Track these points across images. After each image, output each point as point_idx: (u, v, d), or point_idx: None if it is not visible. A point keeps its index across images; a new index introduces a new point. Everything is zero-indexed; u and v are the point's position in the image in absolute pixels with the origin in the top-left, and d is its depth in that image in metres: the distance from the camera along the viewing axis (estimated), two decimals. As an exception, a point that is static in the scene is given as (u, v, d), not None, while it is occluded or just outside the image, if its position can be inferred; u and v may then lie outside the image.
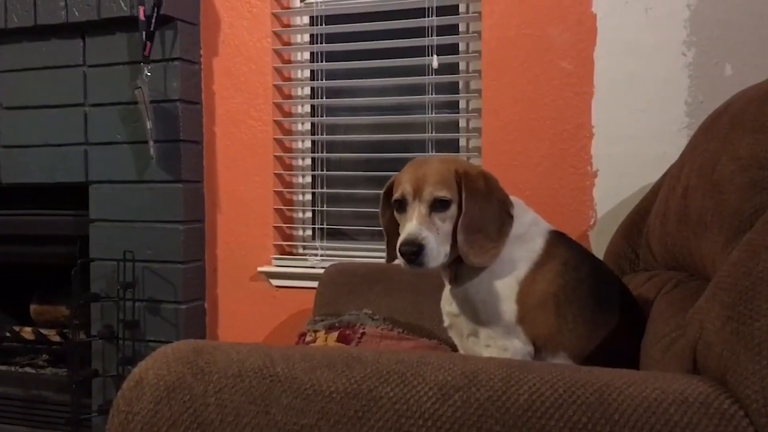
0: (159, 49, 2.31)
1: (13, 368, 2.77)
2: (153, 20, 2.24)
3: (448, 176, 1.31)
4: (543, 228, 1.38)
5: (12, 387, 2.68)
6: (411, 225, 1.27)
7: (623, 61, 2.03)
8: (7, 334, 2.87)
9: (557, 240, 1.37)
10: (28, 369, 2.76)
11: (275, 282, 2.45)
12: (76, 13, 2.33)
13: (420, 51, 2.33)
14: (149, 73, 2.27)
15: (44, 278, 2.80)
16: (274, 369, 0.91)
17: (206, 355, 0.94)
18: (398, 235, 1.32)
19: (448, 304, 1.42)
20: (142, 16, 2.23)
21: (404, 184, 1.32)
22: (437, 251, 1.27)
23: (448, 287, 1.42)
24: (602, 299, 1.34)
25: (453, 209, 1.30)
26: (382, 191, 1.44)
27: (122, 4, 2.28)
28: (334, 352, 1.00)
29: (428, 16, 2.30)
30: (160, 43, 2.31)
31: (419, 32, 2.32)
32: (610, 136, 2.05)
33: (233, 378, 0.91)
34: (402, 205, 1.33)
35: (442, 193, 1.29)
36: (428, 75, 2.33)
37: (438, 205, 1.29)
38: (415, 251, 1.24)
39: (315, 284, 2.17)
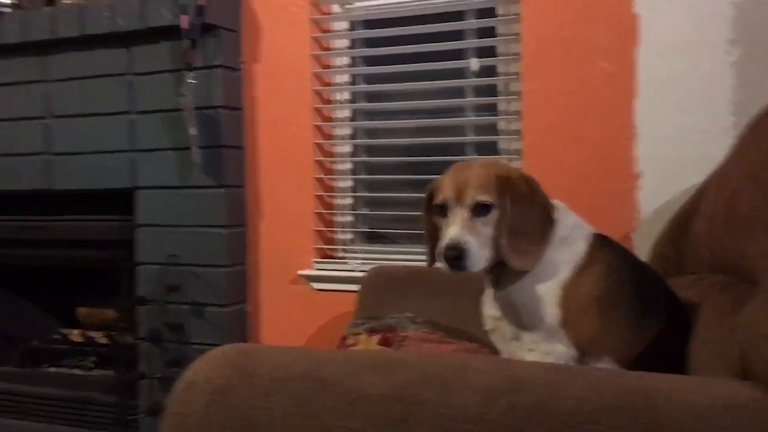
0: (202, 56, 2.36)
1: (62, 370, 2.85)
2: (196, 29, 2.28)
3: (489, 180, 1.31)
4: (586, 231, 1.37)
5: (61, 388, 2.75)
6: (453, 229, 1.27)
7: (666, 62, 2.00)
8: (57, 337, 2.96)
9: (600, 243, 1.36)
10: (76, 371, 2.83)
11: (316, 285, 2.47)
12: (122, 23, 2.39)
13: (459, 54, 2.33)
14: (193, 81, 2.32)
15: (92, 282, 2.87)
16: (319, 372, 0.93)
17: (253, 359, 0.96)
18: (439, 239, 1.32)
19: (490, 308, 1.42)
20: (185, 25, 2.27)
21: (446, 189, 1.32)
22: (479, 255, 1.27)
23: (489, 291, 1.42)
24: (647, 302, 1.32)
25: (495, 213, 1.30)
26: (423, 195, 1.45)
27: (166, 13, 2.33)
28: (378, 355, 1.01)
29: (467, 19, 2.31)
30: (203, 51, 2.35)
31: (458, 35, 2.32)
32: (654, 138, 2.02)
33: (280, 381, 0.93)
34: (444, 210, 1.33)
35: (484, 198, 1.29)
36: (467, 78, 2.33)
37: (480, 210, 1.30)
38: (457, 255, 1.25)
39: (355, 287, 2.19)
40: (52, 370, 2.86)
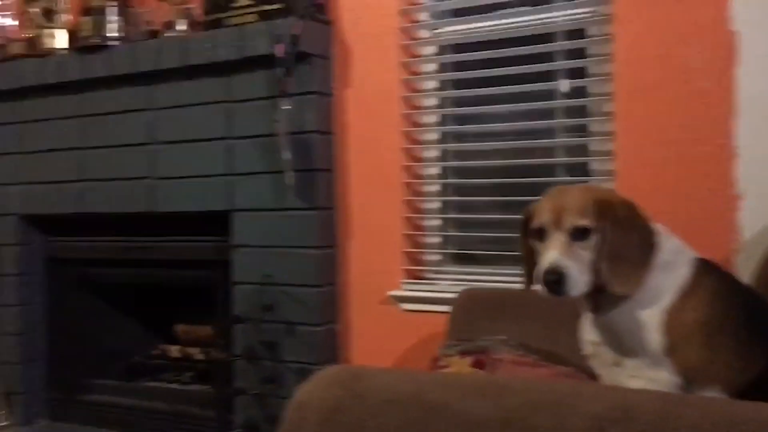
0: (295, 83, 2.44)
1: (161, 384, 2.98)
2: (290, 57, 2.37)
3: (588, 204, 1.31)
4: (689, 256, 1.35)
5: (161, 402, 2.87)
6: (552, 254, 1.28)
7: (768, 79, 1.95)
8: (156, 352, 3.09)
9: (704, 268, 1.33)
10: (174, 385, 2.95)
11: (405, 306, 2.50)
12: (221, 54, 2.51)
13: (548, 75, 2.33)
14: (287, 107, 2.40)
15: (190, 300, 2.99)
16: (427, 395, 0.95)
17: (362, 381, 0.99)
18: (537, 262, 1.33)
19: (589, 333, 1.41)
20: (280, 54, 2.37)
21: (544, 213, 1.33)
22: (579, 280, 1.27)
23: (588, 315, 1.41)
24: (756, 329, 1.29)
25: (594, 238, 1.30)
26: (516, 217, 1.46)
27: (262, 43, 2.43)
28: (484, 379, 1.02)
29: (556, 41, 2.31)
30: (297, 78, 2.44)
31: (547, 57, 2.32)
32: (755, 158, 1.96)
33: (388, 403, 0.95)
34: (542, 234, 1.34)
35: (583, 222, 1.29)
36: (557, 99, 2.32)
37: (578, 234, 1.30)
38: (556, 280, 1.25)
39: (444, 308, 2.20)
40: (152, 383, 2.99)
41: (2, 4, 3.01)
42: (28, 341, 3.06)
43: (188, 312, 3.09)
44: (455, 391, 0.95)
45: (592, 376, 1.47)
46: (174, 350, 3.06)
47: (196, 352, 2.97)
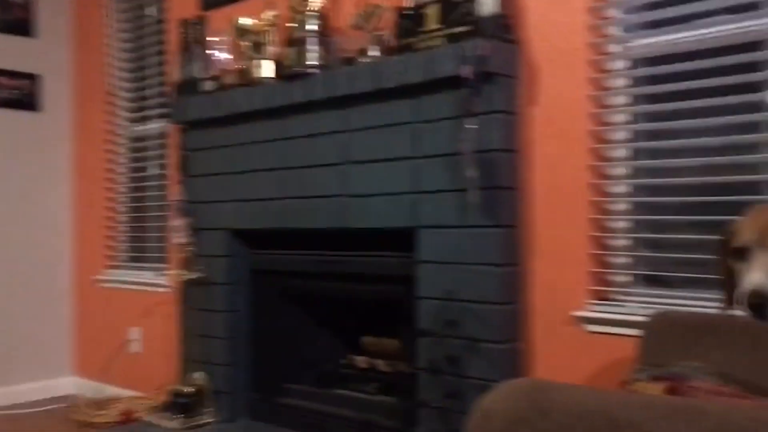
0: (481, 103, 2.48)
1: (350, 393, 3.12)
2: (477, 78, 2.42)
3: None
4: None
5: (349, 409, 3.02)
6: (757, 275, 1.20)
7: None
8: (345, 362, 3.26)
9: None
10: (361, 394, 3.08)
11: (589, 327, 2.43)
12: (411, 77, 2.62)
13: (752, 87, 2.17)
14: (472, 126, 2.45)
15: (378, 313, 3.13)
16: (615, 413, 0.93)
17: (546, 394, 1.00)
18: (737, 284, 1.25)
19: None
20: (467, 75, 2.42)
21: (747, 232, 1.25)
22: (786, 303, 1.18)
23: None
24: None
25: (803, 259, 1.20)
26: (718, 238, 1.38)
27: (450, 66, 2.50)
28: (677, 401, 0.98)
29: (762, 50, 2.15)
30: (483, 98, 2.48)
31: (751, 67, 2.17)
32: None
33: (573, 418, 0.95)
34: (744, 254, 1.26)
35: (791, 242, 1.20)
36: (763, 111, 2.16)
37: (786, 254, 1.21)
38: (761, 303, 1.17)
39: (632, 332, 2.12)
40: (341, 391, 3.15)
41: (220, 40, 3.36)
42: (233, 345, 3.36)
43: (376, 325, 3.23)
44: (647, 411, 0.93)
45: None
46: (361, 361, 3.20)
47: (382, 364, 3.08)
